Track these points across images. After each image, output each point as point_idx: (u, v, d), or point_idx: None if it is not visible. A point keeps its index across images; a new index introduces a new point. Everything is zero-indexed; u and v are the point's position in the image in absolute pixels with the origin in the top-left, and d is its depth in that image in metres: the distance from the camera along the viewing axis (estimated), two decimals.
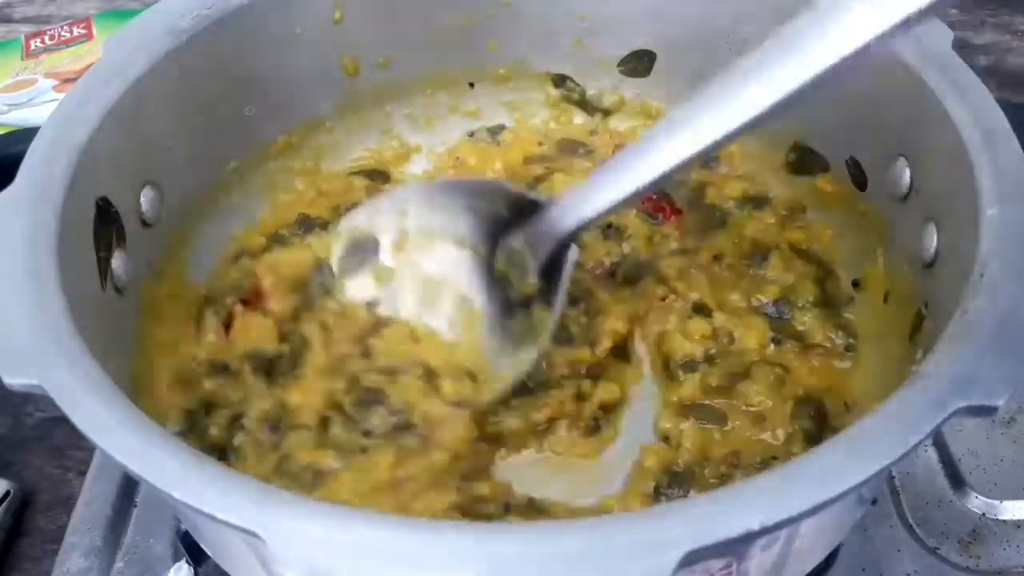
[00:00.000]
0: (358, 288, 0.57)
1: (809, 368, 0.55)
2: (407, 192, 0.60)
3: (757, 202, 0.62)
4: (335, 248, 0.58)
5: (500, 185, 0.58)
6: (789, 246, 0.60)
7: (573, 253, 0.53)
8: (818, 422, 0.52)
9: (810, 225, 0.61)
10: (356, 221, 0.58)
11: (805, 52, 0.40)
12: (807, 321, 0.57)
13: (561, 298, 0.53)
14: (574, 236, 0.53)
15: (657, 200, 0.62)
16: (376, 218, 0.58)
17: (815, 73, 0.40)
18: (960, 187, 0.46)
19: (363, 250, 0.58)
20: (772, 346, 0.56)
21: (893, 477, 0.59)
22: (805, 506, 0.34)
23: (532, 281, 0.54)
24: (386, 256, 0.58)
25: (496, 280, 0.56)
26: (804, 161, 0.62)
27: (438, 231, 0.57)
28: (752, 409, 0.53)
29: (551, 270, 0.53)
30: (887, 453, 0.35)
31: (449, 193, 0.57)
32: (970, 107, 0.47)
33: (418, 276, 0.58)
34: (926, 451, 0.60)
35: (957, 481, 0.59)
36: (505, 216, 0.55)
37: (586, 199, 0.51)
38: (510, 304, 0.55)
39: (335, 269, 0.58)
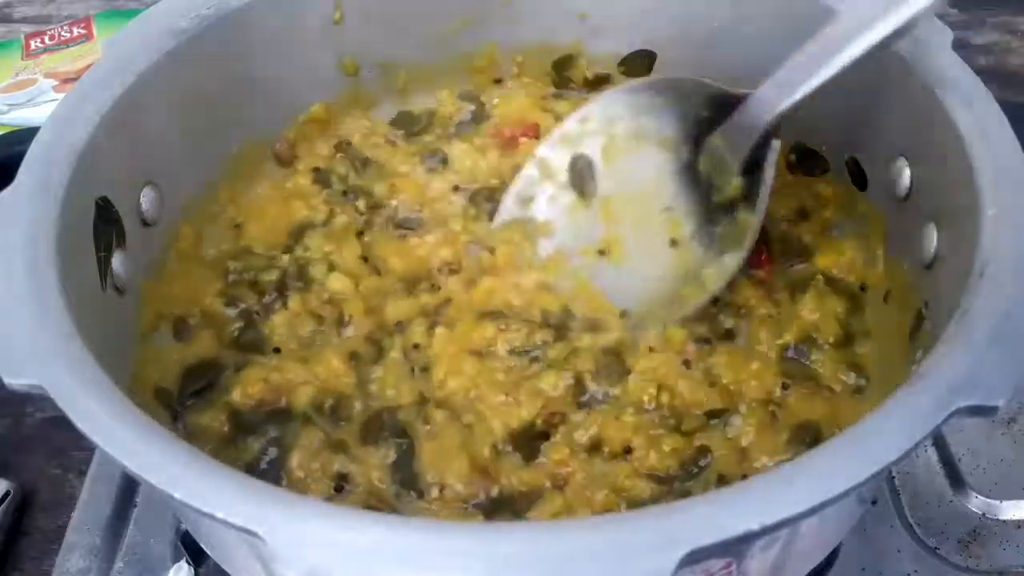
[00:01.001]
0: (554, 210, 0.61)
1: (810, 405, 0.53)
2: (614, 96, 0.61)
3: (803, 213, 0.61)
4: (553, 160, 0.61)
5: (701, 83, 0.58)
6: (824, 278, 0.57)
7: (775, 146, 0.53)
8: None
9: (841, 246, 0.59)
10: (567, 127, 0.61)
11: None
12: (823, 361, 0.54)
13: (765, 194, 0.54)
14: (775, 128, 0.53)
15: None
16: (586, 125, 0.60)
17: None
18: (960, 188, 0.45)
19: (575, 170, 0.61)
20: (778, 391, 0.53)
21: (893, 477, 0.59)
22: (805, 506, 0.34)
23: (735, 181, 0.55)
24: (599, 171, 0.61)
25: (699, 185, 0.57)
26: (804, 161, 0.62)
27: (645, 134, 0.59)
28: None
29: (752, 168, 0.54)
30: (887, 453, 0.35)
31: (654, 93, 0.59)
32: (970, 107, 0.47)
33: (624, 193, 0.60)
34: (926, 451, 0.61)
35: (957, 481, 0.59)
36: (707, 116, 0.57)
37: (785, 86, 0.52)
38: (712, 210, 0.57)
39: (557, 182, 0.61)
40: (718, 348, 0.55)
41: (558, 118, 0.65)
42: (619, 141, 0.60)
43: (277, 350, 0.55)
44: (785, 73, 0.52)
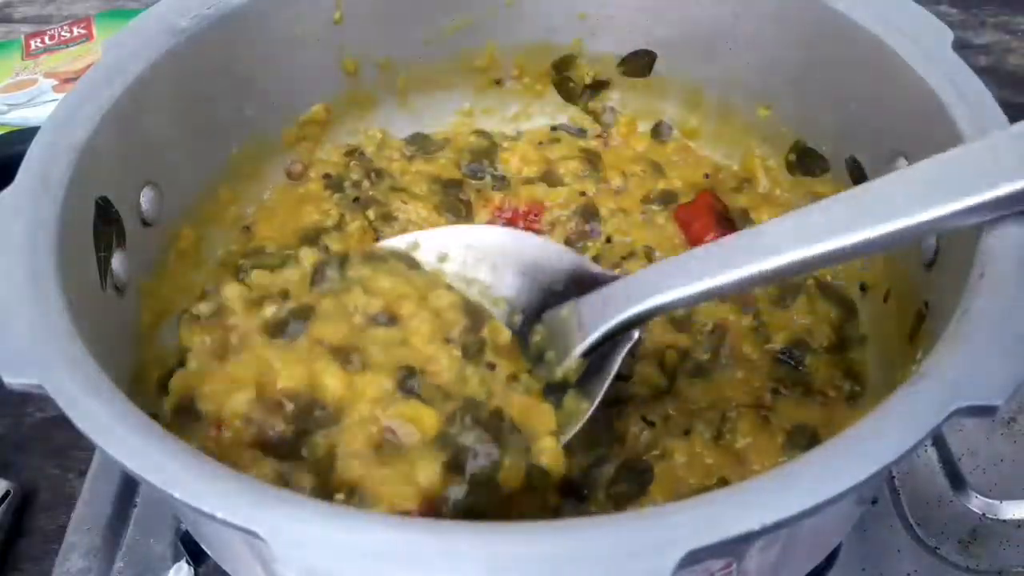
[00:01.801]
0: None
1: (803, 411, 0.53)
2: (456, 233, 0.55)
3: None
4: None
5: (564, 253, 0.52)
6: (816, 283, 0.57)
7: (628, 341, 0.46)
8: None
9: None
10: (396, 245, 0.55)
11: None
12: (816, 366, 0.54)
13: (602, 391, 0.47)
14: (638, 321, 0.46)
15: None
16: (415, 252, 0.54)
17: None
18: None
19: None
20: (768, 396, 0.53)
21: (893, 477, 0.59)
22: (805, 506, 0.34)
23: (571, 364, 0.48)
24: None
25: (530, 357, 0.50)
26: (804, 161, 0.62)
27: (477, 286, 0.52)
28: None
29: (597, 356, 0.47)
30: (887, 453, 0.35)
31: (501, 245, 0.52)
32: (970, 107, 0.47)
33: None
34: (926, 451, 0.60)
35: (957, 481, 0.59)
36: (559, 291, 0.50)
37: (666, 281, 0.45)
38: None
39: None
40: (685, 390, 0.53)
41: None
42: (444, 278, 0.53)
43: None
44: (670, 268, 0.46)
